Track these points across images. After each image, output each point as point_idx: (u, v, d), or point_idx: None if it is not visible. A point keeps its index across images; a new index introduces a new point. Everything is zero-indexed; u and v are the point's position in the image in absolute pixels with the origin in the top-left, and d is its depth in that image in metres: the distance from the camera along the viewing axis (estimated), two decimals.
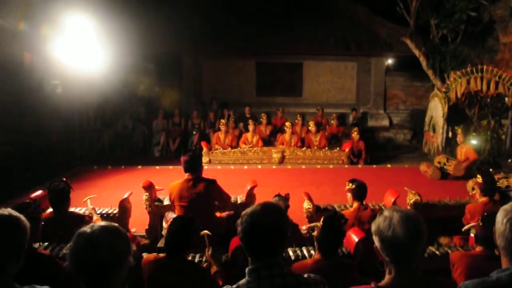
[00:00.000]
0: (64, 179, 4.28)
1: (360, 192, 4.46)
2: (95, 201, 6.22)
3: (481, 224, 3.35)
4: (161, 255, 3.20)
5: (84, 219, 4.25)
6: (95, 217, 4.56)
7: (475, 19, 12.02)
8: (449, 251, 4.01)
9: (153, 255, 3.20)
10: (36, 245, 3.66)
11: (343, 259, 3.67)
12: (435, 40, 12.17)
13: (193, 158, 4.85)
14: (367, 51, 13.37)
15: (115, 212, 5.23)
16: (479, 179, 4.90)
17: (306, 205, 5.17)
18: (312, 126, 10.86)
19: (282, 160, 10.32)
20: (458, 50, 11.84)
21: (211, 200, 4.84)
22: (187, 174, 4.76)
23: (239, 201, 5.58)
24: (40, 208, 3.78)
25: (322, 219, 3.13)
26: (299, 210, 5.01)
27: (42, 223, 3.76)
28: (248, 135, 10.83)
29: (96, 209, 5.30)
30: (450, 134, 10.22)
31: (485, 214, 3.48)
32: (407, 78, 14.23)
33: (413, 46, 11.84)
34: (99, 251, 1.68)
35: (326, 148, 10.53)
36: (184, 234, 3.08)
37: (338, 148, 10.50)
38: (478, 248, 3.35)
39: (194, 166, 4.79)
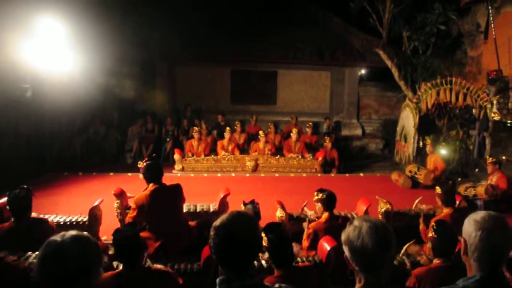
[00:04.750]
0: (25, 186, 4.13)
1: (329, 201, 4.49)
2: (64, 208, 6.10)
3: (435, 236, 3.36)
4: (118, 269, 3.13)
5: (48, 224, 4.16)
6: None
7: (444, 33, 12.37)
8: (421, 260, 4.06)
9: (109, 272, 3.10)
10: (1, 254, 3.56)
11: (300, 263, 3.70)
12: (407, 52, 12.45)
13: (156, 167, 4.71)
14: (340, 61, 13.54)
15: (85, 220, 5.12)
16: (438, 190, 4.99)
17: (279, 213, 5.19)
18: (294, 133, 10.95)
19: (255, 168, 10.33)
20: (429, 62, 12.15)
21: (181, 205, 4.80)
22: (151, 184, 4.60)
23: (211, 209, 5.56)
24: None
25: (264, 237, 3.07)
26: (272, 219, 5.01)
27: None
28: (224, 142, 10.81)
29: (64, 217, 5.19)
30: (421, 144, 10.43)
31: (434, 225, 3.48)
32: (379, 88, 14.48)
33: (385, 57, 12.07)
34: (69, 261, 1.65)
35: (300, 156, 10.60)
36: (130, 243, 3.01)
37: (311, 157, 10.58)
38: (437, 260, 3.34)
39: (159, 175, 4.67)
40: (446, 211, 4.87)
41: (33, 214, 4.30)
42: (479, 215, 1.86)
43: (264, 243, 3.07)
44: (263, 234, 3.09)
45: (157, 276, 3.07)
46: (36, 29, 8.37)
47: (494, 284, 1.80)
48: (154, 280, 3.01)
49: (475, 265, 1.82)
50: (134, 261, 3.02)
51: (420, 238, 4.97)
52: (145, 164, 4.71)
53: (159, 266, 3.43)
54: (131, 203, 5.19)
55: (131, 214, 4.58)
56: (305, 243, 4.44)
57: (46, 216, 4.80)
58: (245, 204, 4.57)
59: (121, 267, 3.30)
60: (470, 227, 1.84)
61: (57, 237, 1.72)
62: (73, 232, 1.76)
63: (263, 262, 3.79)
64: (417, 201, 6.13)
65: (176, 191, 4.70)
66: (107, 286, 2.89)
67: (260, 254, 3.70)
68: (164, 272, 3.17)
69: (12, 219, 4.09)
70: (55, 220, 5.03)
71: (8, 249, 3.72)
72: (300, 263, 3.69)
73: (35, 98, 9.44)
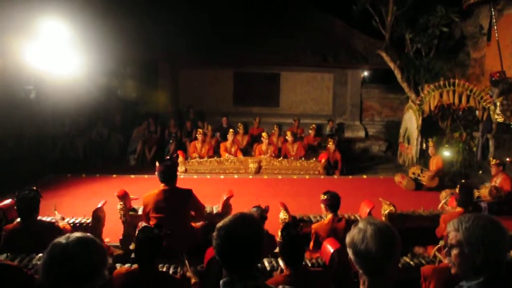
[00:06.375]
0: (34, 187, 4.14)
1: (333, 203, 4.49)
2: (67, 210, 6.11)
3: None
4: (133, 267, 3.15)
5: (55, 227, 4.14)
6: (61, 224, 4.44)
7: (447, 35, 12.36)
8: (423, 261, 4.07)
9: (125, 268, 3.14)
10: (3, 256, 3.56)
11: (312, 267, 3.71)
12: (410, 54, 12.44)
13: (170, 168, 4.81)
14: (343, 63, 13.53)
15: (88, 221, 5.13)
16: (457, 189, 5.03)
17: (282, 215, 5.18)
18: (289, 136, 10.94)
19: (258, 170, 10.33)
20: (432, 64, 12.12)
21: (188, 210, 4.81)
22: (162, 184, 4.71)
23: (215, 211, 5.55)
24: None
25: (279, 233, 3.14)
26: (275, 221, 5.01)
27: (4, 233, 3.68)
28: (227, 144, 10.82)
29: (69, 218, 5.20)
30: (424, 145, 10.41)
31: None
32: (382, 90, 14.46)
33: (388, 59, 12.06)
34: (75, 263, 1.65)
35: (303, 158, 10.59)
36: (152, 244, 3.03)
37: (314, 159, 10.56)
38: (448, 260, 3.35)
39: (170, 177, 4.74)
40: (458, 210, 4.86)
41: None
42: (473, 218, 1.85)
43: (279, 240, 3.13)
44: (279, 232, 3.15)
45: (170, 282, 3.08)
46: (40, 31, 8.41)
47: (499, 286, 1.79)
48: (165, 286, 3.01)
49: (476, 268, 1.80)
50: (151, 262, 3.03)
51: (423, 239, 4.97)
52: (164, 163, 4.83)
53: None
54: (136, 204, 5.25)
55: (144, 211, 4.72)
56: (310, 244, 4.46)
57: (49, 219, 4.81)
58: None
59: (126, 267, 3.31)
60: (470, 230, 1.82)
61: (62, 239, 1.72)
62: (78, 234, 1.76)
63: (266, 264, 3.78)
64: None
65: (185, 195, 4.74)
66: (119, 280, 2.94)
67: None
68: (177, 280, 3.18)
69: (18, 220, 4.09)
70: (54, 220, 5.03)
71: (13, 250, 3.72)
72: (311, 267, 3.71)
73: (39, 100, 9.48)
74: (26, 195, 3.97)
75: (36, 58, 8.51)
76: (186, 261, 3.55)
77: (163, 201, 4.58)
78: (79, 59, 9.20)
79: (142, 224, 4.88)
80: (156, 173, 4.86)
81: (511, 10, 10.61)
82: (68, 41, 8.80)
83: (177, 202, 4.64)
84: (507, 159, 8.50)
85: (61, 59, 8.84)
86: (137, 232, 3.14)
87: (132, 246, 3.57)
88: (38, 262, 3.52)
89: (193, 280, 3.35)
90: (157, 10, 12.62)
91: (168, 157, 5.32)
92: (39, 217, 4.19)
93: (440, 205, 6.27)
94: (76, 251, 1.67)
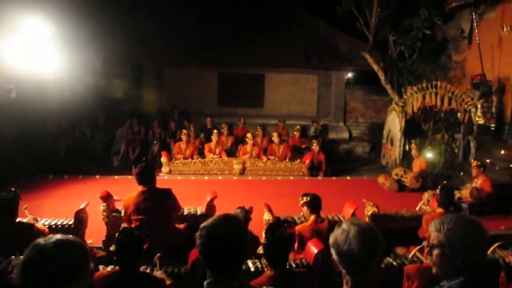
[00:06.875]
0: (13, 188, 4.07)
1: (314, 204, 4.53)
2: (49, 211, 6.03)
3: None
4: (115, 269, 3.13)
5: (34, 229, 4.08)
6: (38, 225, 4.37)
7: (430, 38, 12.51)
8: (406, 261, 4.12)
9: (107, 269, 3.11)
10: None
11: (295, 268, 3.72)
12: (393, 56, 12.56)
13: (146, 170, 4.78)
14: (328, 65, 13.60)
15: (70, 223, 5.07)
16: (437, 190, 5.10)
17: (266, 216, 5.19)
18: (275, 137, 10.93)
19: (243, 171, 10.32)
20: (415, 66, 12.26)
21: (169, 209, 4.78)
22: (141, 186, 4.68)
23: (198, 212, 5.54)
24: None
25: (264, 235, 3.14)
26: (259, 222, 5.01)
27: None
28: (212, 145, 10.78)
29: (50, 220, 5.13)
30: (407, 147, 10.53)
31: None
32: (366, 91, 14.57)
33: (372, 61, 12.16)
34: (53, 264, 1.61)
35: (287, 159, 10.61)
36: (133, 246, 3.02)
37: (298, 160, 10.59)
38: (429, 259, 3.39)
39: (148, 178, 4.72)
40: (439, 211, 4.93)
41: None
42: (454, 219, 1.87)
43: (263, 241, 3.13)
44: (263, 233, 3.16)
45: (152, 283, 3.05)
46: (21, 28, 8.26)
47: (479, 286, 1.82)
48: (146, 287, 2.99)
49: (456, 268, 1.83)
50: (132, 263, 3.02)
51: (405, 240, 5.02)
52: (138, 165, 4.81)
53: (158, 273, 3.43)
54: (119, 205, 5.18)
55: (125, 214, 4.66)
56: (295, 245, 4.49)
57: (24, 220, 4.72)
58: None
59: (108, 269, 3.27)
60: (451, 231, 1.84)
61: (41, 240, 1.69)
62: (58, 236, 1.73)
63: (251, 265, 3.78)
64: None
65: (164, 195, 4.72)
66: (100, 282, 2.91)
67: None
68: (158, 281, 3.16)
69: None
70: (40, 223, 4.95)
71: None
72: (295, 268, 3.72)
73: (20, 99, 9.31)
74: (5, 196, 3.91)
75: (17, 56, 8.36)
76: (158, 262, 3.53)
77: (143, 202, 4.56)
78: (62, 57, 9.06)
79: (125, 225, 4.86)
80: (134, 176, 4.81)
81: (491, 14, 10.78)
82: (50, 39, 8.66)
83: (157, 202, 4.61)
84: (488, 161, 8.64)
85: (44, 57, 8.69)
86: (118, 233, 3.12)
87: (112, 248, 3.53)
88: (16, 265, 3.46)
89: (168, 282, 3.32)
90: (143, 9, 12.51)
91: (144, 159, 5.26)
92: (18, 219, 4.13)
93: (418, 206, 6.36)
94: (55, 252, 1.64)
